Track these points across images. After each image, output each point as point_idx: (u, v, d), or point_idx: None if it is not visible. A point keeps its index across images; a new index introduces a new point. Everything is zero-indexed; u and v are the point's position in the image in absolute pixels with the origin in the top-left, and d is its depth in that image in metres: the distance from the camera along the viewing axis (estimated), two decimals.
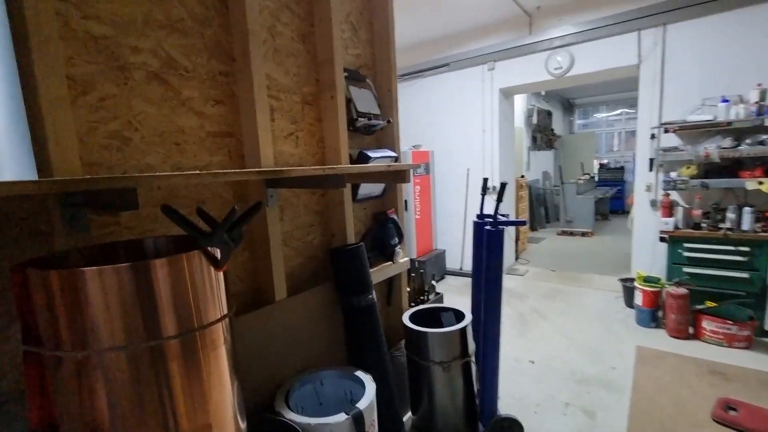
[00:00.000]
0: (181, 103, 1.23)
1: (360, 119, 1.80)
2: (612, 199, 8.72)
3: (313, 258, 1.74)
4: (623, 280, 3.70)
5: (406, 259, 2.14)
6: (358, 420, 1.23)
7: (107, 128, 1.06)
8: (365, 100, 1.88)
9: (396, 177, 1.41)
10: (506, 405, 2.26)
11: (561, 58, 4.09)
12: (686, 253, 3.14)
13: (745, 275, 2.91)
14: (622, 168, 9.66)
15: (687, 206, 3.32)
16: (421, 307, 2.13)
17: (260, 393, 1.38)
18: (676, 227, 3.21)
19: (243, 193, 1.41)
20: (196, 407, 0.78)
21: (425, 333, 1.78)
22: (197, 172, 0.79)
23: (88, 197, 0.88)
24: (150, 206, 1.16)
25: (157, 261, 0.76)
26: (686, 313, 2.97)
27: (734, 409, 2.05)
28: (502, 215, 1.90)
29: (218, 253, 0.85)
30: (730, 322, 2.81)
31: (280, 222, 1.57)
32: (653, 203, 3.63)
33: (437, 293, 2.71)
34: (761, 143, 2.94)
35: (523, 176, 6.23)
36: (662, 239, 3.28)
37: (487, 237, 1.81)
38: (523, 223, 1.83)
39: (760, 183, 2.91)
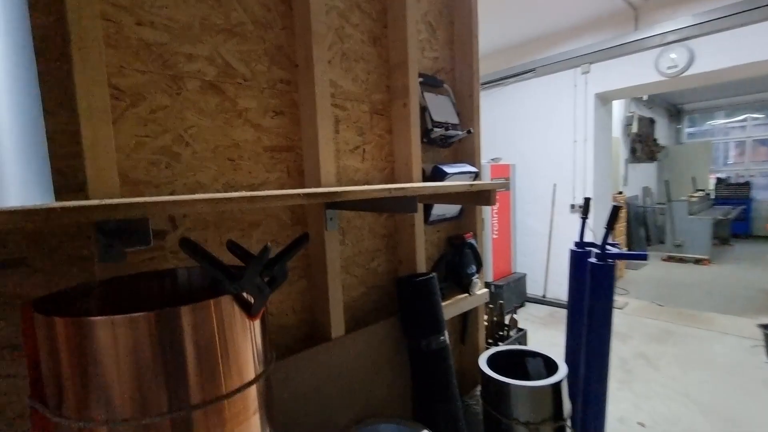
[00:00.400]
0: (237, 115, 1.11)
1: (435, 129, 1.57)
2: (735, 221, 7.32)
3: (377, 288, 1.53)
4: (765, 327, 2.93)
5: (484, 290, 1.84)
6: None
7: (156, 143, 0.97)
8: (442, 108, 1.64)
9: (479, 198, 1.15)
10: None
11: (676, 55, 3.46)
12: None
13: None
14: (747, 183, 8.10)
15: None
16: (501, 348, 1.80)
17: None
18: None
19: (301, 214, 1.26)
20: None
21: (508, 385, 1.46)
22: (228, 195, 0.62)
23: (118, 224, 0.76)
24: (199, 228, 1.04)
25: (180, 309, 0.60)
26: None
27: None
28: (612, 244, 1.51)
29: (252, 298, 0.68)
30: None
31: (340, 246, 1.39)
32: None
33: (519, 329, 2.34)
34: None
35: (620, 192, 5.46)
36: None
37: (592, 272, 1.45)
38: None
39: None
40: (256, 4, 1.14)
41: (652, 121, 7.36)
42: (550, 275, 4.52)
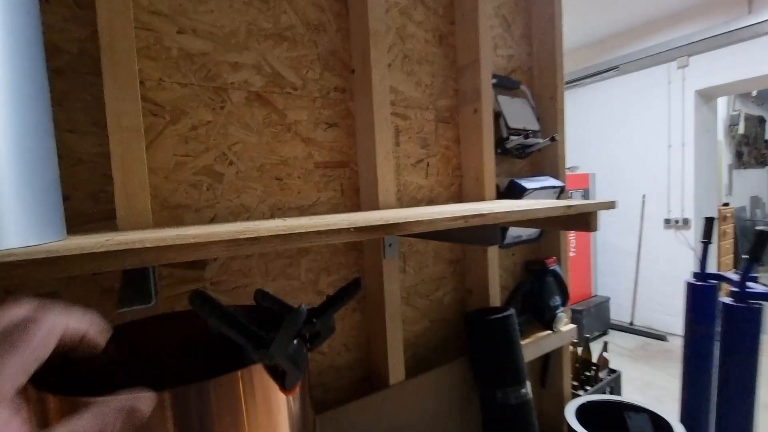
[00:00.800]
0: (286, 129, 0.99)
1: (512, 137, 1.34)
2: None
3: (441, 321, 1.32)
4: None
5: (570, 326, 1.54)
6: None
7: (198, 162, 0.87)
8: (519, 113, 1.41)
9: (575, 222, 0.90)
10: None
11: None
12: None
13: None
14: None
15: None
16: (593, 397, 1.50)
17: None
18: None
19: (356, 240, 1.10)
20: None
21: None
22: (255, 229, 0.47)
23: None
24: (241, 257, 0.92)
25: (197, 386, 0.46)
26: None
27: None
28: (753, 278, 1.16)
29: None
30: None
31: (401, 275, 1.21)
32: None
33: (611, 370, 1.97)
34: None
35: (726, 204, 4.67)
36: None
37: (727, 316, 1.11)
38: None
39: None
40: (308, 5, 1.01)
41: (761, 120, 6.30)
42: (638, 300, 3.94)
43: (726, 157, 5.57)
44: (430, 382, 1.15)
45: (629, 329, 3.92)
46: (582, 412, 1.40)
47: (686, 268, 3.59)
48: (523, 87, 1.49)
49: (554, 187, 1.39)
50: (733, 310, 1.07)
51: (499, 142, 1.36)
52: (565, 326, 1.53)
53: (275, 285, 0.97)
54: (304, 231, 0.50)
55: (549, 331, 1.47)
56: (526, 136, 1.33)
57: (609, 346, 3.62)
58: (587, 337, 2.06)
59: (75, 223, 0.74)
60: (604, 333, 3.89)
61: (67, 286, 0.74)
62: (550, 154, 1.53)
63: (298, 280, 1.01)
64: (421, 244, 1.26)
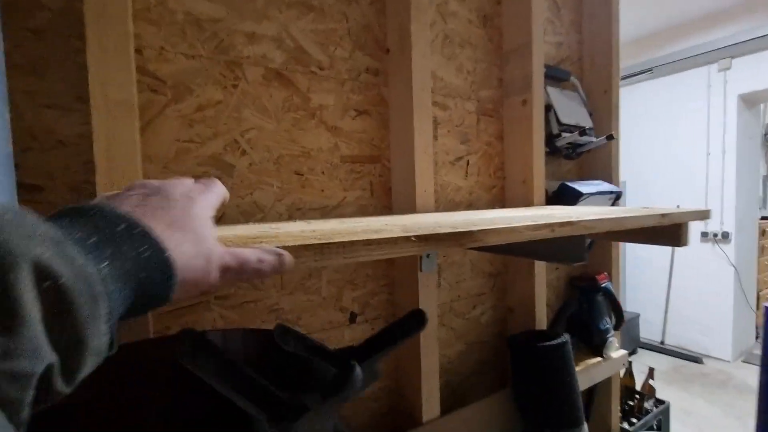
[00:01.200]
0: (310, 115, 0.83)
1: (563, 135, 1.17)
2: None
3: (478, 344, 1.15)
4: None
5: (621, 352, 1.35)
6: None
7: (204, 150, 0.72)
8: (570, 107, 1.24)
9: (666, 235, 0.73)
10: None
11: None
12: None
13: None
14: None
15: None
16: None
17: None
18: None
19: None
20: None
21: None
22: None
23: None
24: None
25: None
26: None
27: None
28: None
29: None
30: None
31: (436, 290, 1.04)
32: None
33: (659, 400, 1.76)
34: None
35: (765, 218, 4.38)
36: None
37: None
38: None
39: None
40: None
41: None
42: (671, 317, 3.69)
43: (763, 166, 5.27)
44: (469, 416, 0.97)
45: (660, 348, 3.67)
46: None
47: (726, 285, 3.34)
48: (573, 79, 1.31)
49: (611, 192, 1.21)
50: None
51: (548, 139, 1.19)
52: (617, 352, 1.34)
53: (291, 300, 0.82)
54: (346, 241, 0.34)
55: (598, 358, 1.28)
56: (582, 133, 1.16)
57: (639, 367, 3.38)
58: (630, 362, 1.85)
59: None
60: (633, 352, 3.64)
61: None
62: (603, 155, 1.35)
63: (319, 294, 0.85)
64: (458, 254, 1.09)
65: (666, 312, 3.72)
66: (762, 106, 4.24)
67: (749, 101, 3.39)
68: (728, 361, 3.35)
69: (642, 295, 3.86)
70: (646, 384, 1.79)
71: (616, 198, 1.26)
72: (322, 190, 0.85)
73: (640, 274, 3.88)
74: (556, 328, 1.25)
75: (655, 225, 0.65)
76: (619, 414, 1.44)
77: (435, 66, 1.02)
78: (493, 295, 1.18)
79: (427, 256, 0.88)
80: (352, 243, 0.35)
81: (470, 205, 1.12)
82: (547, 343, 0.96)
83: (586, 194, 1.12)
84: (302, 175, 0.83)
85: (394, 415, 0.97)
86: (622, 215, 0.57)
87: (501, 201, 1.18)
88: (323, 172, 0.85)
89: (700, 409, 2.70)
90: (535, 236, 0.47)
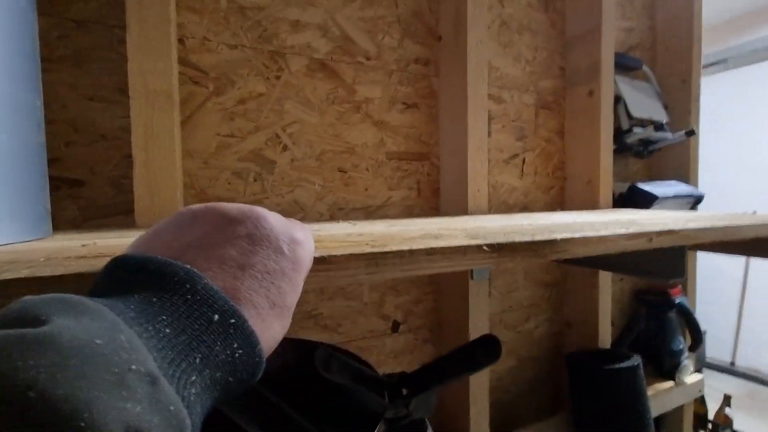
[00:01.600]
0: (355, 108, 0.78)
1: (635, 130, 1.04)
2: None
3: (531, 360, 1.05)
4: None
5: (698, 376, 1.19)
6: None
7: (245, 146, 0.68)
8: (642, 100, 1.10)
9: (764, 248, 0.60)
10: None
11: None
12: None
13: None
14: None
15: None
16: None
17: None
18: None
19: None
20: None
21: None
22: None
23: None
24: None
25: None
26: None
27: None
28: None
29: None
30: None
31: (487, 299, 0.95)
32: None
33: None
34: None
35: None
36: None
37: None
38: None
39: None
40: None
41: None
42: (743, 336, 3.32)
43: None
44: None
45: (730, 370, 3.30)
46: None
47: None
48: (645, 68, 1.17)
49: (691, 196, 1.06)
50: None
51: (616, 135, 1.06)
52: (691, 377, 1.18)
53: (331, 306, 0.76)
54: (405, 249, 0.27)
55: (670, 383, 1.14)
56: (657, 128, 1.02)
57: (706, 390, 3.06)
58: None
59: (90, 216, 0.58)
60: (698, 372, 3.31)
61: None
62: (679, 154, 1.20)
63: (360, 301, 0.79)
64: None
65: (738, 330, 3.35)
66: None
67: None
68: None
69: (708, 308, 3.50)
70: (721, 413, 1.59)
71: (695, 202, 1.11)
72: (366, 189, 0.80)
73: (708, 285, 3.52)
74: (620, 348, 1.12)
75: None
76: None
77: (490, 55, 0.93)
78: (548, 307, 1.07)
79: None
80: (411, 252, 0.28)
81: (525, 208, 1.02)
82: (618, 366, 0.84)
83: (661, 198, 0.99)
84: (345, 172, 0.77)
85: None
86: (737, 223, 0.46)
87: (560, 203, 1.07)
88: (368, 170, 0.79)
89: None
90: (628, 246, 0.39)
